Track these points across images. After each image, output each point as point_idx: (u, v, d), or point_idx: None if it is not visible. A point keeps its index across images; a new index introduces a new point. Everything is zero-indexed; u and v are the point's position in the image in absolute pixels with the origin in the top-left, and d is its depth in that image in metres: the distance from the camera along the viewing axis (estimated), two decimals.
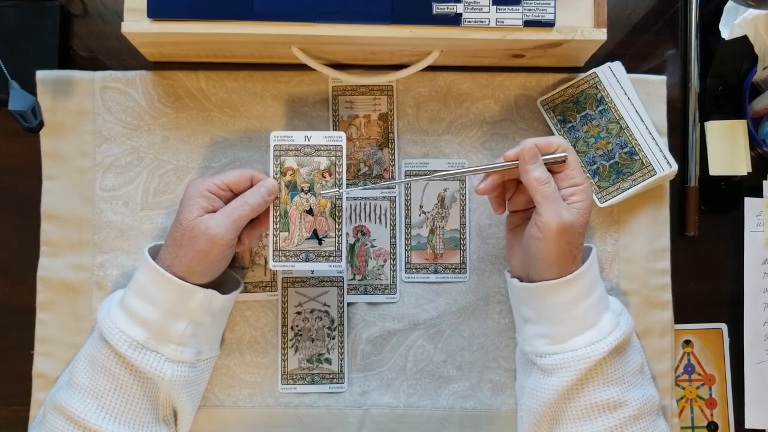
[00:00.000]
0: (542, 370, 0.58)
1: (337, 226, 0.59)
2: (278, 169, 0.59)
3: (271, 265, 0.59)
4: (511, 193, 0.62)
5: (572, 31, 0.61)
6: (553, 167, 0.58)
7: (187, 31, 0.59)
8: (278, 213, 0.59)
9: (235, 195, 0.58)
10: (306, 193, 0.59)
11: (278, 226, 0.59)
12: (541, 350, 0.58)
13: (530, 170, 0.56)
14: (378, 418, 0.65)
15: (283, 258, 0.59)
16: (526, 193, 0.60)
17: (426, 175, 0.68)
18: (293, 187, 0.59)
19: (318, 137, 0.59)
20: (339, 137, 0.59)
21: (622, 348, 0.58)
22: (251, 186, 0.58)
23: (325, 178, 0.59)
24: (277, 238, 0.59)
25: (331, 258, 0.59)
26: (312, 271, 0.66)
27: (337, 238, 0.59)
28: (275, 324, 0.66)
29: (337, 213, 0.59)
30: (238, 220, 0.56)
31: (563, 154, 0.58)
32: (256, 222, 0.59)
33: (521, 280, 0.61)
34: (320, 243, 0.59)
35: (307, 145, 0.59)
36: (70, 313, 0.65)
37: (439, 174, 0.60)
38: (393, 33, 0.60)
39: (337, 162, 0.59)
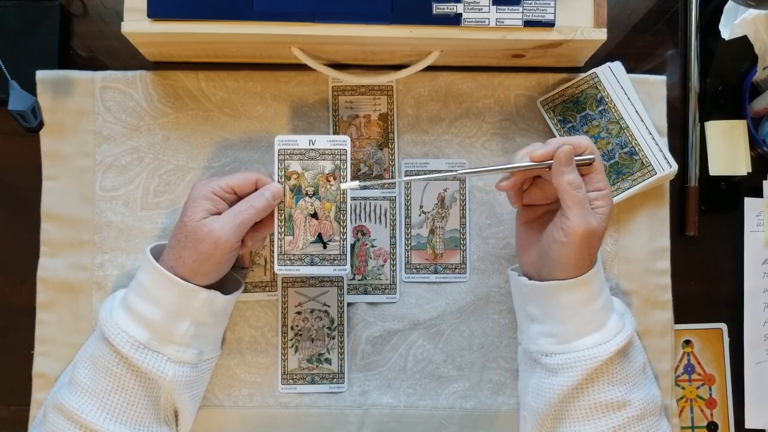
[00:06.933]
0: (547, 369, 0.58)
1: (341, 230, 0.59)
2: (283, 173, 0.59)
3: (276, 269, 0.59)
4: (527, 186, 0.60)
5: (572, 31, 0.61)
6: (579, 170, 0.56)
7: (187, 31, 0.59)
8: (283, 217, 0.59)
9: (240, 198, 0.58)
10: (311, 197, 0.59)
11: (283, 230, 0.59)
12: (547, 349, 0.58)
13: (565, 173, 0.54)
14: (378, 418, 0.65)
15: (288, 262, 0.59)
16: (543, 189, 0.59)
17: (425, 175, 0.68)
18: (298, 191, 0.59)
19: (322, 141, 0.59)
20: (344, 141, 0.59)
21: (626, 348, 0.58)
22: (256, 189, 0.58)
23: (329, 182, 0.59)
24: (282, 242, 0.59)
25: (336, 261, 0.59)
26: None
27: (341, 242, 0.59)
28: (275, 324, 0.66)
29: (341, 217, 0.59)
30: (242, 224, 0.56)
31: (591, 156, 0.56)
32: (259, 225, 0.59)
33: (530, 277, 0.60)
34: (325, 247, 0.59)
35: (312, 149, 0.59)
36: (70, 313, 0.65)
37: (462, 171, 0.59)
38: (393, 33, 0.59)
39: (342, 166, 0.59)
